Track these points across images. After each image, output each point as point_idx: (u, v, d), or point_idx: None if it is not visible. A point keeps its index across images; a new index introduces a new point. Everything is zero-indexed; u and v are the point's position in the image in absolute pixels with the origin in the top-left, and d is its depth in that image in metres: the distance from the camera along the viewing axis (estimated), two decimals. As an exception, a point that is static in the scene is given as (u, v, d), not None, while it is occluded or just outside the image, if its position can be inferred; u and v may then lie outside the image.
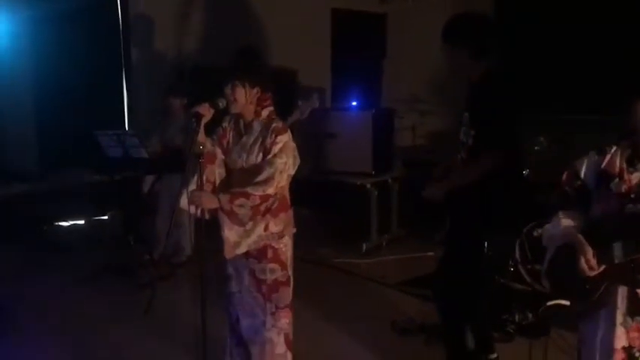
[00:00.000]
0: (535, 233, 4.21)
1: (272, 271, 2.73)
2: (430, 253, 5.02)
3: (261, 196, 2.59)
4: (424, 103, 6.79)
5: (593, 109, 5.40)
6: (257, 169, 2.64)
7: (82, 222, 5.71)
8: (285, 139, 2.65)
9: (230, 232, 2.61)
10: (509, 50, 6.30)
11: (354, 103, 5.92)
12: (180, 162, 4.35)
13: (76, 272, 4.72)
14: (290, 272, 2.79)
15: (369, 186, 5.51)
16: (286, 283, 2.78)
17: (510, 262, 4.28)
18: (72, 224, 5.68)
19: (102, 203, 5.64)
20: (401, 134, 6.65)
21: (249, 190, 2.58)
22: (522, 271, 4.23)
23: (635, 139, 2.08)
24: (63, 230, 5.63)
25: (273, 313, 2.75)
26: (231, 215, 2.59)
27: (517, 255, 4.31)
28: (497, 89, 2.87)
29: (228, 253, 2.66)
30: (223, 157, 2.76)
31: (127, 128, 5.84)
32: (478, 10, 3.05)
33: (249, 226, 2.61)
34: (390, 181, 5.72)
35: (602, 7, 5.62)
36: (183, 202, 2.61)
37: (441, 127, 6.71)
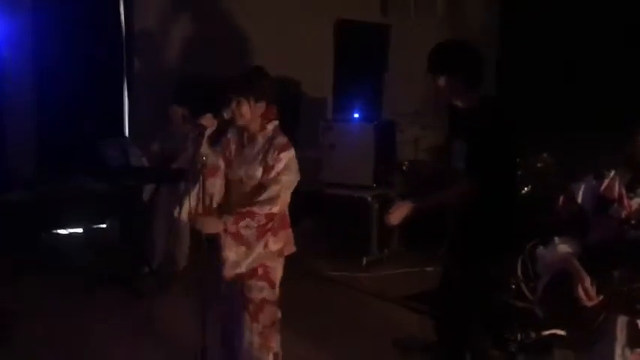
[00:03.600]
0: (538, 249, 4.17)
1: (260, 289, 2.69)
2: (429, 268, 4.97)
3: (267, 215, 2.57)
4: (425, 117, 6.77)
5: (596, 126, 5.39)
6: (259, 186, 2.62)
7: (80, 230, 5.66)
8: (289, 155, 2.64)
9: (230, 252, 2.58)
10: (515, 68, 6.37)
11: (356, 115, 5.89)
12: (178, 172, 4.36)
13: (73, 281, 4.67)
14: (277, 291, 2.75)
15: (369, 199, 5.48)
16: (273, 303, 2.74)
17: (512, 280, 4.24)
18: (70, 232, 5.63)
19: (101, 212, 5.60)
20: (402, 147, 6.62)
21: (255, 209, 2.55)
22: (524, 289, 4.18)
23: (634, 165, 2.02)
24: (61, 238, 5.58)
25: (260, 333, 2.71)
26: (237, 237, 2.56)
27: (519, 272, 4.26)
28: (495, 119, 2.82)
29: (228, 273, 2.63)
30: (224, 167, 2.73)
31: (126, 136, 5.82)
32: (476, 31, 2.99)
33: (256, 246, 2.60)
34: (391, 194, 5.68)
35: (608, 26, 5.63)
36: (184, 213, 2.59)
37: (443, 141, 6.70)
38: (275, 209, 2.58)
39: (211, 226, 2.54)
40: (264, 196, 2.56)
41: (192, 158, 2.52)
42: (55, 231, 5.55)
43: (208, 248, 2.59)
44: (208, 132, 2.56)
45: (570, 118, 5.75)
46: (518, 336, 3.61)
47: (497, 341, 3.58)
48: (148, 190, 4.82)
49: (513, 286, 4.25)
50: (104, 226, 5.72)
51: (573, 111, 5.76)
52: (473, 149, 2.78)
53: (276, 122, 2.71)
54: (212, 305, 2.75)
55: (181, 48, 6.14)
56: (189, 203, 2.54)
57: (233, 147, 2.75)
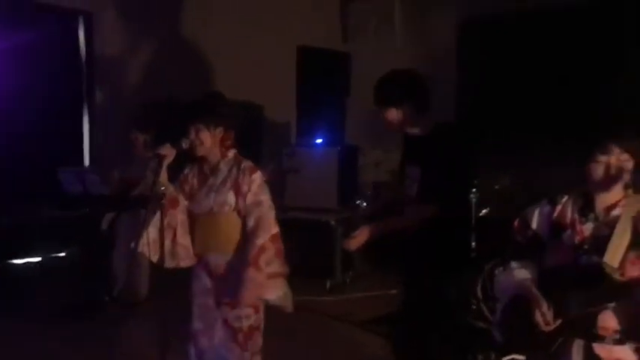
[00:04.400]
0: (497, 271, 4.24)
1: (247, 317, 2.67)
2: (393, 291, 5.00)
3: (272, 238, 2.58)
4: (387, 141, 6.86)
5: (558, 144, 5.51)
6: (239, 214, 2.61)
7: (38, 259, 5.52)
8: (259, 175, 2.64)
9: (271, 293, 2.67)
10: (473, 87, 6.52)
11: (319, 140, 5.96)
12: (139, 199, 4.32)
13: (32, 311, 4.55)
14: (262, 315, 2.75)
15: (333, 222, 5.52)
16: (258, 328, 2.73)
17: (473, 300, 4.31)
18: (27, 262, 5.49)
19: (59, 240, 5.49)
20: (365, 171, 6.70)
21: (259, 242, 2.55)
22: (484, 309, 4.25)
23: (587, 191, 2.07)
24: (18, 268, 5.44)
25: None
26: (271, 276, 2.60)
27: (479, 293, 4.34)
28: (449, 143, 2.87)
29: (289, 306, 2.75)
30: (186, 203, 2.70)
31: (87, 164, 5.74)
32: (413, 69, 3.01)
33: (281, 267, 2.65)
34: (354, 217, 5.72)
35: (565, 46, 5.82)
36: (142, 245, 2.56)
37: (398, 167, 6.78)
38: (274, 229, 2.59)
39: (252, 293, 2.57)
40: (252, 224, 2.56)
41: (151, 188, 2.50)
42: (12, 260, 5.41)
43: (168, 274, 2.57)
44: (167, 161, 2.53)
45: (531, 135, 5.90)
46: (479, 357, 3.65)
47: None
48: (107, 218, 4.75)
49: (474, 307, 4.32)
50: (63, 254, 5.60)
51: (535, 127, 5.89)
52: (427, 174, 2.82)
53: (234, 150, 2.69)
54: (182, 338, 2.73)
55: (143, 73, 6.11)
56: (148, 235, 2.51)
57: (194, 181, 2.71)
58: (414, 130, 2.92)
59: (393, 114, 2.86)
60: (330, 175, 5.64)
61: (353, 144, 6.55)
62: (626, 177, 1.99)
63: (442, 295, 2.95)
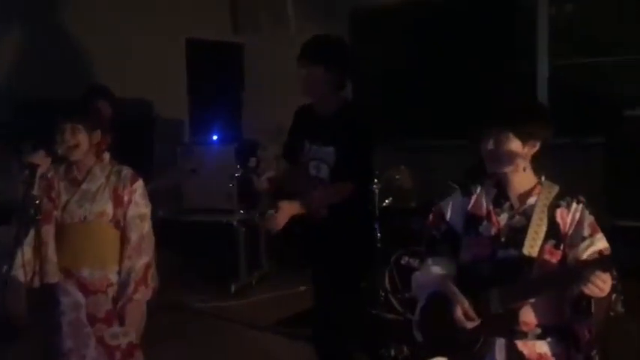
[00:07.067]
0: (403, 261, 4.25)
1: (125, 334, 2.49)
2: (302, 288, 4.89)
3: (153, 253, 2.53)
4: (285, 133, 6.72)
5: (454, 134, 5.60)
6: (117, 224, 2.48)
7: None
8: (141, 184, 2.52)
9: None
10: (370, 77, 6.52)
11: (215, 137, 5.72)
12: (9, 213, 3.85)
13: None
14: (141, 332, 2.59)
15: (235, 223, 5.31)
16: (138, 346, 2.56)
17: (381, 293, 4.28)
18: None
19: None
20: (264, 166, 6.52)
21: (146, 260, 2.46)
22: (393, 301, 4.25)
23: (499, 179, 2.01)
24: None
25: None
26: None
27: (387, 284, 4.33)
28: (361, 123, 2.80)
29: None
30: (55, 212, 2.46)
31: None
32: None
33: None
34: (257, 216, 5.55)
35: (462, 34, 5.93)
36: (17, 267, 2.25)
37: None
38: (153, 243, 2.51)
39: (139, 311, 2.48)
40: (136, 239, 2.44)
41: (24, 202, 2.20)
42: None
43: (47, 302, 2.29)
44: (41, 171, 2.27)
45: (430, 126, 5.97)
46: (392, 351, 3.61)
47: (371, 357, 3.57)
48: None
49: (382, 299, 4.30)
50: None
51: (433, 118, 5.96)
52: (343, 154, 2.71)
53: (108, 154, 2.54)
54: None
55: (16, 69, 5.52)
56: (22, 256, 2.21)
57: (61, 185, 2.47)
58: (324, 105, 2.80)
59: (319, 73, 2.71)
60: (228, 174, 5.42)
61: (252, 138, 6.33)
62: (521, 161, 1.93)
63: (353, 288, 2.87)
